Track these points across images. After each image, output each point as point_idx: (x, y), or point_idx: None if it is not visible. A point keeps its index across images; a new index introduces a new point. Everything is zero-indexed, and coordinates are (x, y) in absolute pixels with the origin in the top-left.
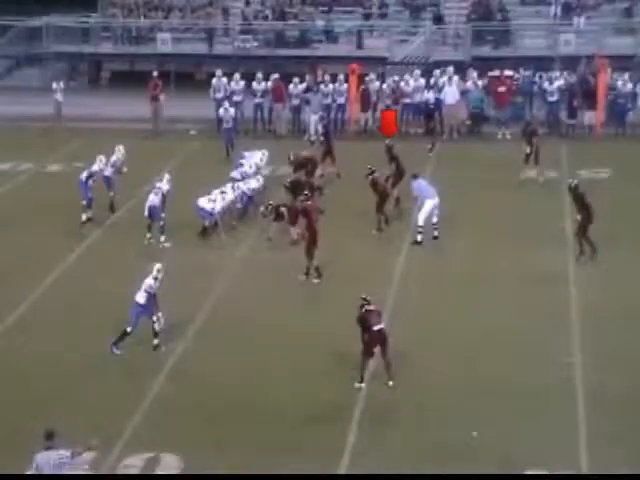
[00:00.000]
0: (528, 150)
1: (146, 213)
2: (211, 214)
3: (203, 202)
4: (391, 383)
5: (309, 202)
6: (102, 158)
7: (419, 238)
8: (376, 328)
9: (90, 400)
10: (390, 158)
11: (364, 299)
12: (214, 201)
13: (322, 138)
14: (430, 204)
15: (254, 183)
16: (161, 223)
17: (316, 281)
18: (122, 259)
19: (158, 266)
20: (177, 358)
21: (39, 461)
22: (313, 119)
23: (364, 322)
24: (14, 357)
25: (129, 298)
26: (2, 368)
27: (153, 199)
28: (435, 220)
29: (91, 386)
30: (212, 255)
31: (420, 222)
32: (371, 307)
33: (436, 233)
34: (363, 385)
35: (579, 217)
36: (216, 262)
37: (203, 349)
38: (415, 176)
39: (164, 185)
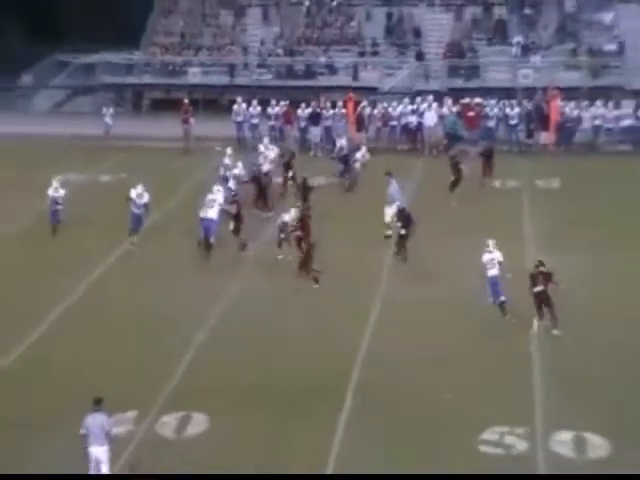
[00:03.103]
0: (453, 178)
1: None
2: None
3: (210, 213)
4: (555, 331)
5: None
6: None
7: (388, 232)
8: (536, 290)
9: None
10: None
11: (540, 261)
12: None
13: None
14: (395, 207)
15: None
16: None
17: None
18: (160, 265)
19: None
20: (197, 347)
21: (89, 422)
22: (339, 142)
23: (532, 281)
24: (48, 362)
25: (163, 302)
26: (39, 372)
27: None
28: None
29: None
30: (227, 254)
31: (387, 220)
32: (543, 269)
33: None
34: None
35: (403, 232)
36: (231, 261)
37: (218, 340)
38: (390, 174)
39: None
